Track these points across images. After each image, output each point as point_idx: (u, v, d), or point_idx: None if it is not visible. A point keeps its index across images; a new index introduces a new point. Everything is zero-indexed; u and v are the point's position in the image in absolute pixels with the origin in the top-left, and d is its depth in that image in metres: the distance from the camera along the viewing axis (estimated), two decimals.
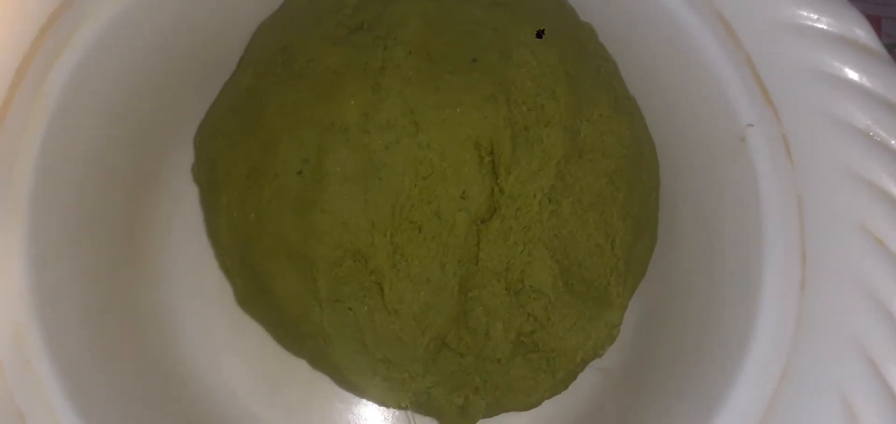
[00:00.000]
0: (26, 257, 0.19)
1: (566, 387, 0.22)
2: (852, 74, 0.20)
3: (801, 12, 0.21)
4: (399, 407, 0.23)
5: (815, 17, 0.21)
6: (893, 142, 0.20)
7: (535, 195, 0.20)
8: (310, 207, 0.20)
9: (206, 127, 0.23)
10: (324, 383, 0.23)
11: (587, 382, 0.23)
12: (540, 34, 0.22)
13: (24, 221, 0.19)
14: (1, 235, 0.19)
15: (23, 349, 0.18)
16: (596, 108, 0.22)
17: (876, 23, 0.32)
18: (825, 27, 0.21)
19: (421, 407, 0.22)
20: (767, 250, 0.20)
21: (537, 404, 0.22)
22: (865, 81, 0.20)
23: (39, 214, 0.19)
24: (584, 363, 0.22)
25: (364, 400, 0.24)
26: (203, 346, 0.24)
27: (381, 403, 0.23)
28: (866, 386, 0.18)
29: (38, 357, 0.18)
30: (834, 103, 0.20)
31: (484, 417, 0.22)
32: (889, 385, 0.18)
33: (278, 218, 0.20)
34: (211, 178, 0.22)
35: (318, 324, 0.21)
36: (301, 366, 0.23)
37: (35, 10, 0.20)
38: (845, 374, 0.18)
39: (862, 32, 0.21)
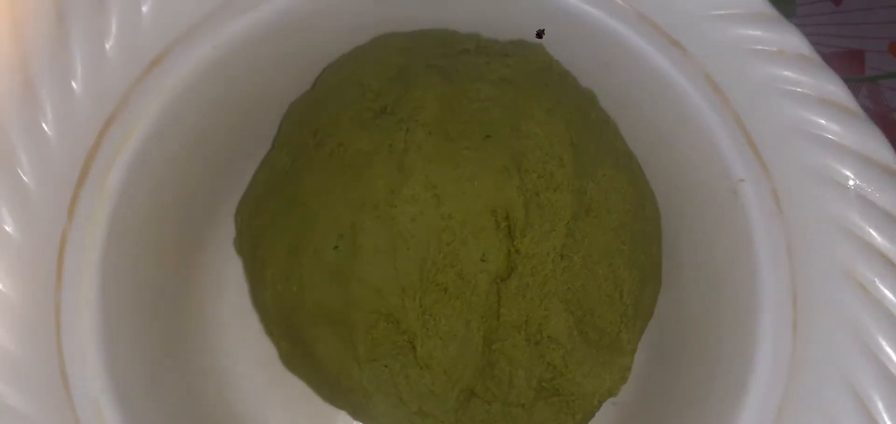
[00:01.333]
0: (99, 337, 0.21)
1: None
2: (833, 132, 0.22)
3: (785, 74, 0.23)
4: None
5: (796, 79, 0.23)
6: (872, 193, 0.22)
7: (548, 254, 0.22)
8: (347, 277, 0.22)
9: (246, 205, 0.26)
10: None
11: (603, 417, 0.25)
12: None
13: (94, 306, 0.21)
14: (77, 321, 0.21)
15: (103, 422, 0.20)
16: (600, 168, 0.24)
17: (859, 56, 0.34)
18: (806, 90, 0.23)
19: None
20: (762, 294, 0.22)
21: None
22: (844, 139, 0.22)
23: (107, 297, 0.22)
24: (601, 404, 0.24)
25: None
26: (252, 402, 0.26)
27: None
28: (854, 418, 0.20)
29: None
30: (818, 159, 0.22)
31: None
32: (874, 417, 0.20)
33: (318, 288, 0.22)
34: (255, 253, 0.24)
35: (358, 381, 0.23)
36: (343, 418, 0.25)
37: (93, 116, 0.22)
38: (835, 407, 0.20)
39: (839, 92, 0.23)
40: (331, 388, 0.24)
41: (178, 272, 0.25)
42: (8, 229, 0.21)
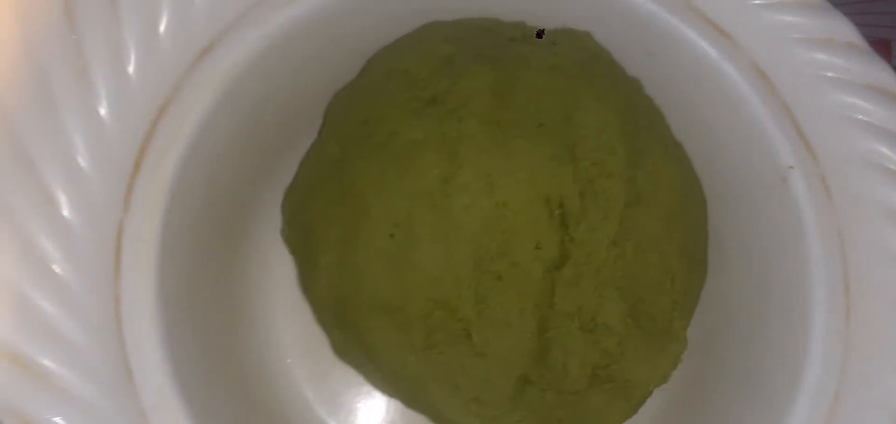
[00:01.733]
0: (160, 328, 0.21)
1: (637, 411, 0.24)
2: (881, 119, 0.23)
3: (833, 61, 0.24)
4: None
5: (845, 66, 0.23)
6: None
7: (601, 242, 0.22)
8: (402, 266, 0.22)
9: (295, 194, 0.26)
10: (421, 421, 0.25)
11: (653, 402, 0.25)
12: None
13: (154, 298, 0.21)
14: (137, 313, 0.21)
15: (169, 410, 0.20)
16: (649, 157, 0.24)
17: (885, 46, 0.34)
18: (855, 77, 0.23)
19: None
20: (813, 282, 0.22)
21: None
22: (893, 125, 0.23)
23: (165, 287, 0.21)
24: (654, 390, 0.24)
25: None
26: (305, 390, 0.26)
27: None
28: None
29: (181, 416, 0.20)
30: (867, 146, 0.23)
31: None
32: None
33: (374, 277, 0.22)
34: (307, 242, 0.24)
35: (414, 370, 0.23)
36: (394, 405, 0.25)
37: (148, 101, 0.22)
38: (893, 394, 0.21)
39: (888, 79, 0.23)
40: (385, 376, 0.24)
41: (229, 262, 0.25)
42: (66, 214, 0.21)
